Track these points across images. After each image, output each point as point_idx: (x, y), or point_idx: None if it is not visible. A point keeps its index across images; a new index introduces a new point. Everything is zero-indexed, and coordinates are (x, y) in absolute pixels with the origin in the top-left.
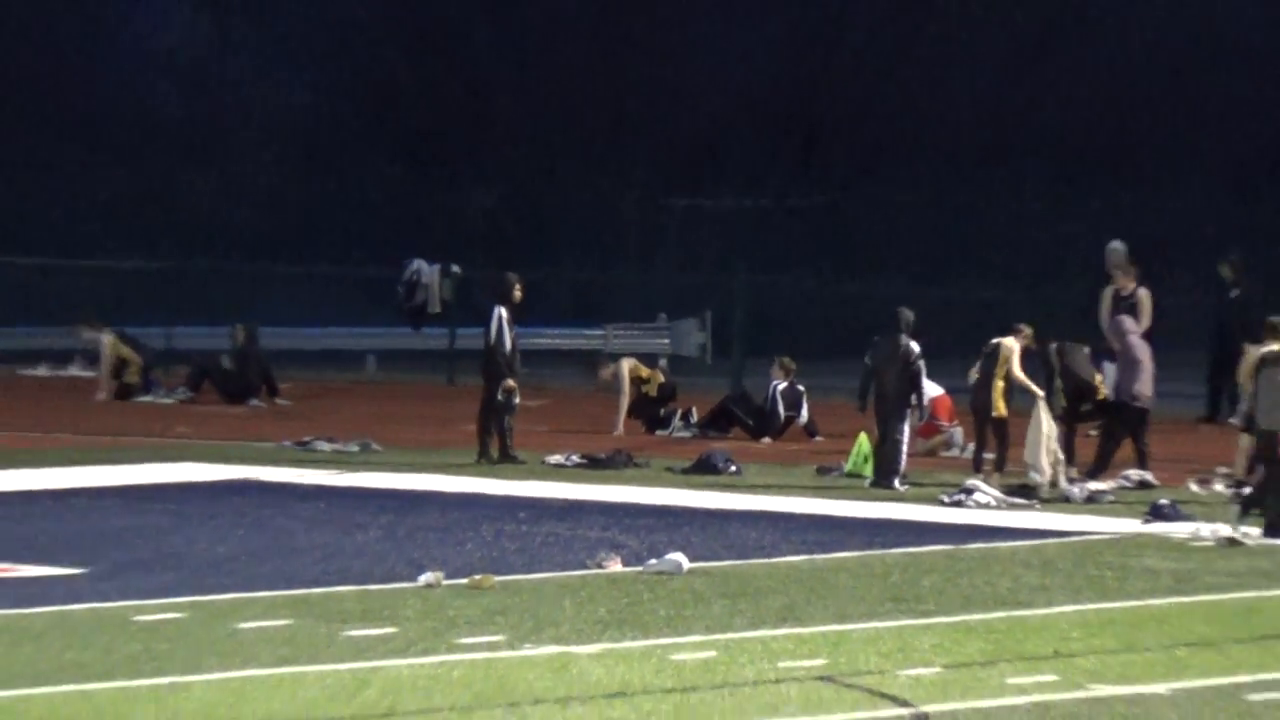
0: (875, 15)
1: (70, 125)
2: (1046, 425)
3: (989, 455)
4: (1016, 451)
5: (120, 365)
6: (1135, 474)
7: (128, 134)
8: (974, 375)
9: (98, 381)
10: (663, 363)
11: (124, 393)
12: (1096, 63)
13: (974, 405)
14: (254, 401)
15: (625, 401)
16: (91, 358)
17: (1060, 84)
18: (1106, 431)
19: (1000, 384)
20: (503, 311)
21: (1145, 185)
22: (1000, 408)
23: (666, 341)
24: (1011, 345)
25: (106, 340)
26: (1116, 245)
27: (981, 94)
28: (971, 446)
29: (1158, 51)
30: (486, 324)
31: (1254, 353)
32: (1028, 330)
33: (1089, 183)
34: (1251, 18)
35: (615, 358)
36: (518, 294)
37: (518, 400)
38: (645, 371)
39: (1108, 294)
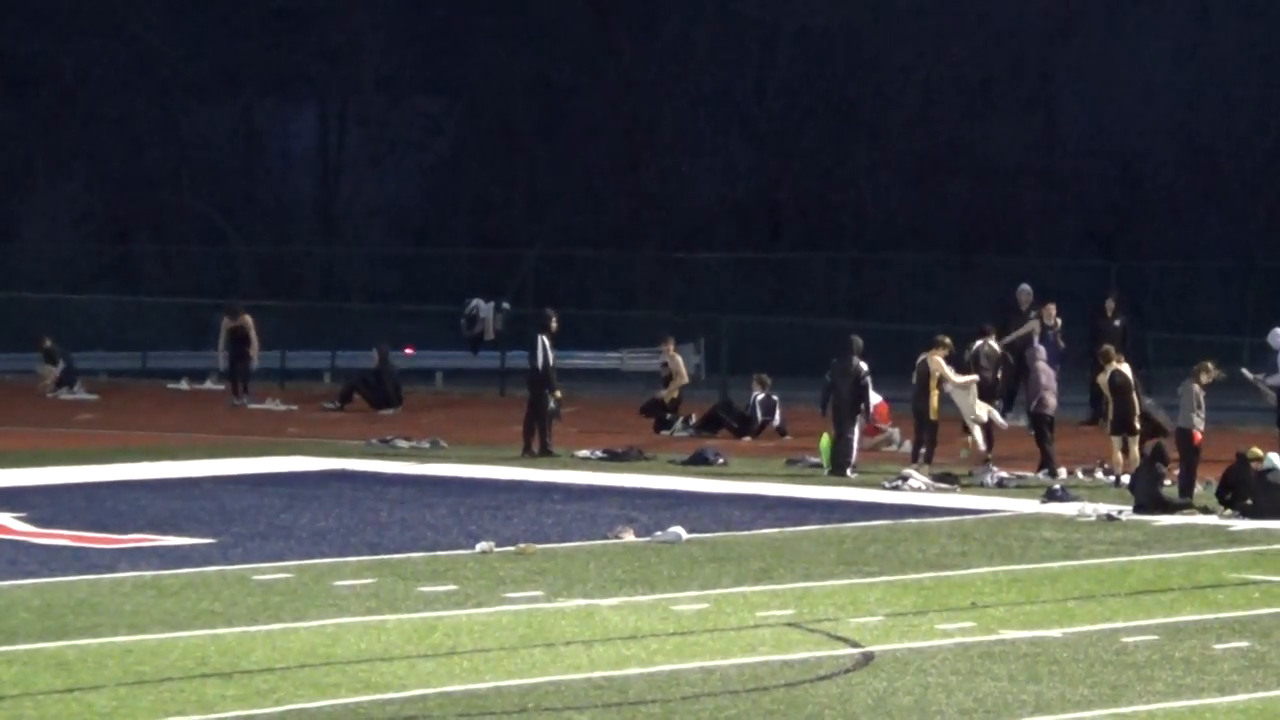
0: (821, 128)
1: (234, 205)
2: (972, 397)
3: (923, 450)
4: (947, 447)
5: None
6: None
7: (275, 212)
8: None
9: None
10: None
11: None
12: (983, 173)
13: (914, 410)
14: (387, 411)
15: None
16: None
17: (957, 183)
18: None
19: (935, 393)
20: (545, 339)
21: (1028, 251)
22: (934, 412)
23: (666, 362)
24: (937, 359)
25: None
26: (1025, 287)
27: (901, 186)
28: (909, 443)
29: (1025, 171)
30: (532, 349)
31: (1105, 373)
32: (947, 340)
33: (984, 247)
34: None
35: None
36: (554, 325)
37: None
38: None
39: (1035, 325)
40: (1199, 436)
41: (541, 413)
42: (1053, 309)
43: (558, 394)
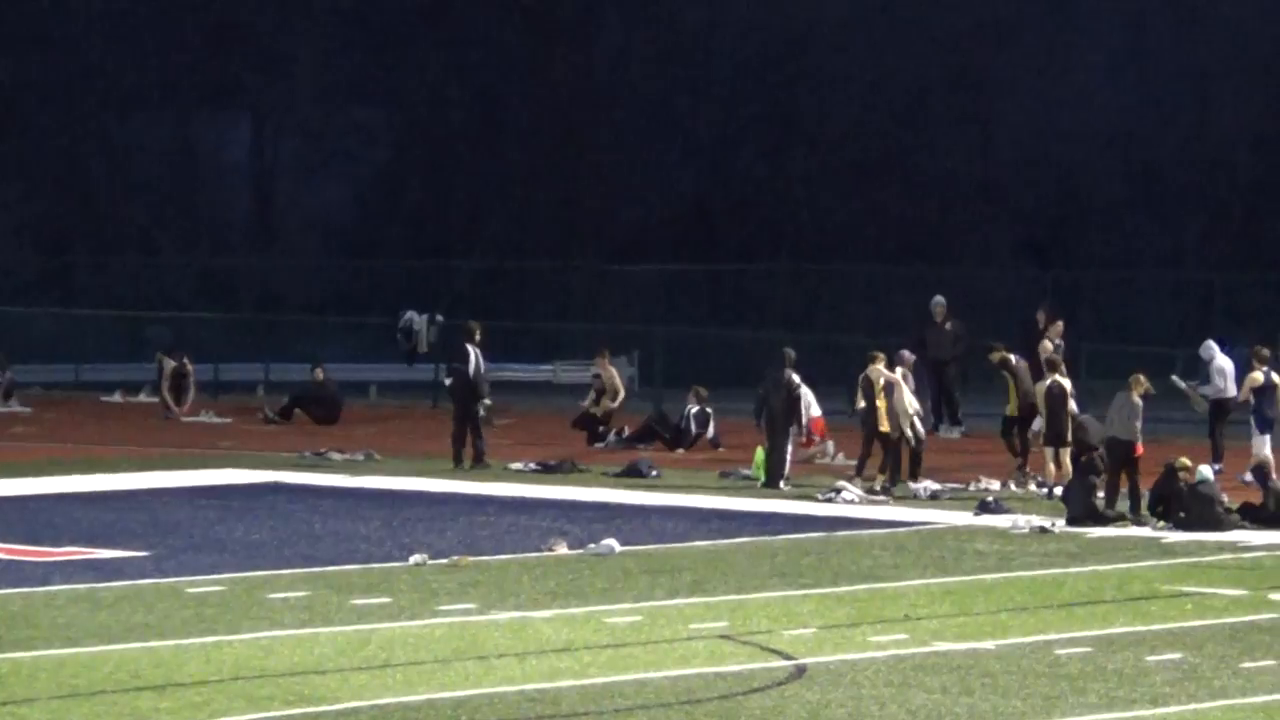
0: (758, 139)
1: (170, 216)
2: (910, 398)
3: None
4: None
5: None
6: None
7: (211, 223)
8: (861, 403)
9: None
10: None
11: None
12: (920, 184)
13: (863, 422)
14: (331, 427)
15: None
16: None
17: (893, 194)
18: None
19: (881, 405)
20: (475, 349)
21: (964, 261)
22: (884, 424)
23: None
24: (878, 369)
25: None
26: (939, 299)
27: (837, 197)
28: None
29: (961, 181)
30: (463, 358)
31: (1044, 383)
32: (880, 354)
33: (920, 257)
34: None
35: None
36: (478, 335)
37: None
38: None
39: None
40: (1141, 448)
41: (474, 423)
42: (1060, 325)
43: (487, 401)
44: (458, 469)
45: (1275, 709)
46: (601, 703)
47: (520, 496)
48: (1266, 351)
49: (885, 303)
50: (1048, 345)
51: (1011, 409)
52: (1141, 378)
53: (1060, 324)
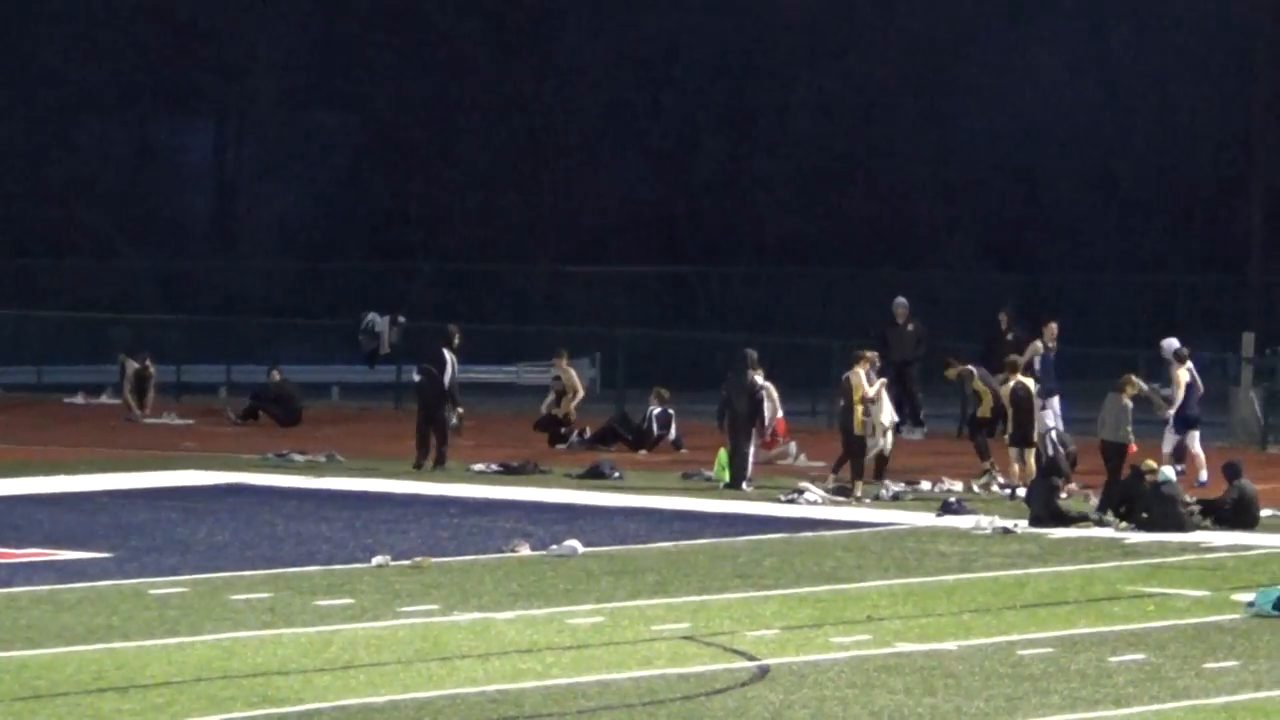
0: (718, 142)
1: (131, 219)
2: (888, 410)
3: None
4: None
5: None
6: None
7: (172, 226)
8: (841, 402)
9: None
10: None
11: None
12: (880, 187)
13: (840, 425)
14: (293, 428)
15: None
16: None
17: (854, 197)
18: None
19: (859, 408)
20: (451, 355)
21: (926, 264)
22: (859, 426)
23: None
24: (859, 373)
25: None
26: (901, 300)
27: (798, 200)
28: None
29: (922, 184)
30: (440, 364)
31: (1008, 385)
32: (868, 354)
33: (881, 260)
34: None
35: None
36: (458, 340)
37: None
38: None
39: (1038, 345)
40: (1134, 449)
41: (441, 427)
42: (1054, 328)
43: (460, 410)
44: (420, 470)
45: (1237, 709)
46: (564, 704)
47: (483, 498)
48: (1186, 350)
49: (846, 305)
50: (1038, 347)
51: (984, 410)
52: (1133, 378)
53: (1054, 326)
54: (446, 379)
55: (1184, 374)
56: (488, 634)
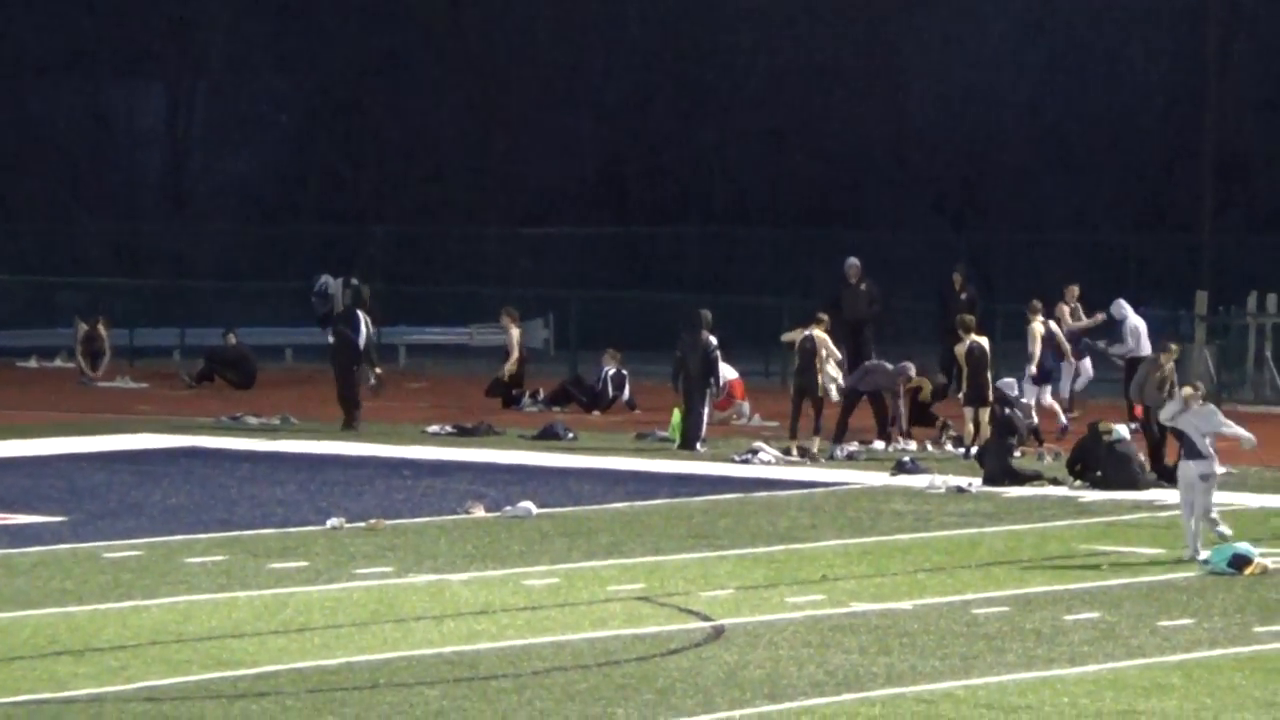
0: (669, 104)
1: (83, 183)
2: (834, 368)
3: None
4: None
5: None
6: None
7: (124, 190)
8: (796, 361)
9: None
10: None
11: None
12: (831, 148)
13: (797, 386)
14: (248, 391)
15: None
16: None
17: (805, 157)
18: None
19: (821, 370)
20: (365, 315)
21: (878, 225)
22: (821, 389)
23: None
24: (822, 335)
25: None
26: (853, 260)
27: (749, 161)
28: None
29: (873, 145)
30: (353, 323)
31: (964, 344)
32: (824, 316)
33: (833, 221)
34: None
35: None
36: (368, 298)
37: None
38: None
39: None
40: (1140, 410)
41: (354, 388)
42: (1075, 289)
43: (378, 370)
44: (354, 429)
45: (1192, 667)
46: (519, 665)
47: (437, 459)
48: (1039, 303)
49: (798, 265)
50: (1064, 309)
51: (925, 395)
52: (1172, 345)
53: (1075, 289)
54: (361, 339)
55: (1039, 327)
56: (443, 596)
